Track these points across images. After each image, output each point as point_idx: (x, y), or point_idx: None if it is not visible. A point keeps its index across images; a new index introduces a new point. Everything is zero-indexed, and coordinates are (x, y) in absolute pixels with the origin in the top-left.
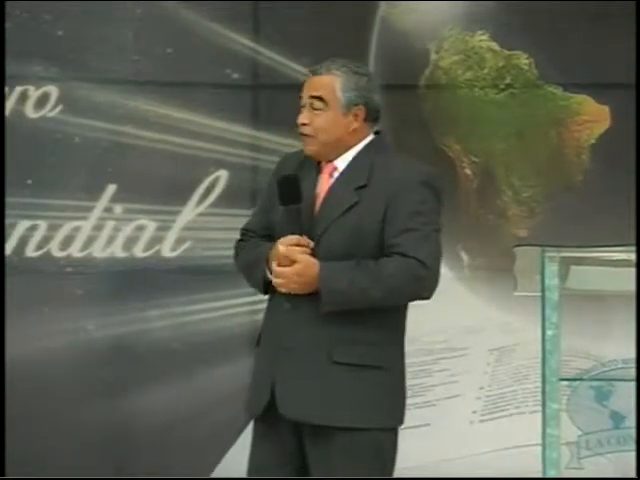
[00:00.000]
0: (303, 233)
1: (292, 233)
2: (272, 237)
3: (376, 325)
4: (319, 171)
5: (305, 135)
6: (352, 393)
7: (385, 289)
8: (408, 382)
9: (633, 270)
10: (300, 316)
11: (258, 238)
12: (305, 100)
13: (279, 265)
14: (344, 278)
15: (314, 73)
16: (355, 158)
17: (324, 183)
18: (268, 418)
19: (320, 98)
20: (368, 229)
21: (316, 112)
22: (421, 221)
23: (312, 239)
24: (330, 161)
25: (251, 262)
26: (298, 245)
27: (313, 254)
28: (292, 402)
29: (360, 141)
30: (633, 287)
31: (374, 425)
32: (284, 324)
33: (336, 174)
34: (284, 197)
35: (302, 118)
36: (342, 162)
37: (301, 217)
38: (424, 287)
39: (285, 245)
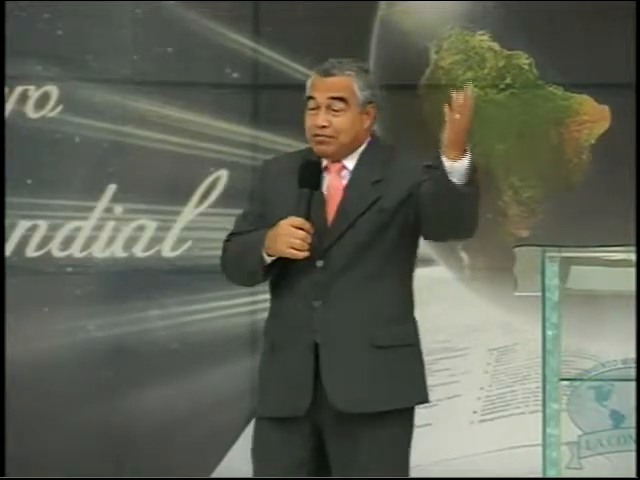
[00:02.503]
0: (310, 220)
1: (298, 216)
2: None
3: (400, 303)
4: (321, 171)
5: (324, 137)
6: (396, 374)
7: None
8: None
9: (633, 270)
10: (332, 311)
11: None
12: (321, 102)
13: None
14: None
15: (326, 74)
16: (364, 156)
17: (334, 182)
18: (290, 420)
19: (341, 99)
20: (392, 221)
21: (336, 113)
22: None
23: (333, 233)
24: (337, 161)
25: (248, 245)
26: (301, 228)
27: (310, 248)
28: (342, 393)
29: (367, 139)
30: (633, 287)
31: (417, 401)
32: (315, 321)
33: (345, 172)
34: (304, 180)
35: (321, 120)
36: (350, 161)
37: (312, 204)
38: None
39: (288, 225)
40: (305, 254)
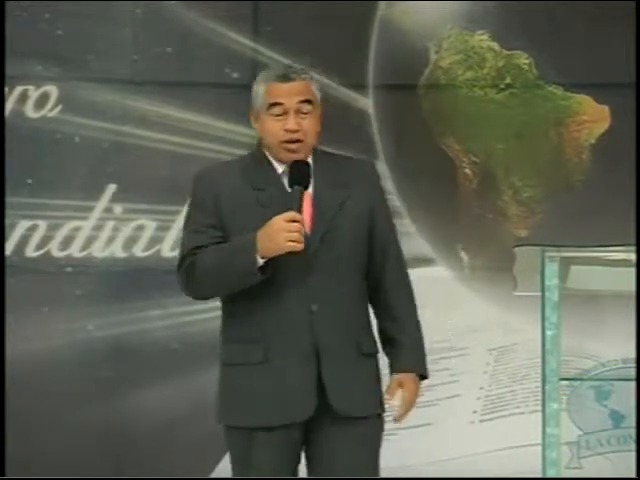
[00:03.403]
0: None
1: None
2: None
3: (368, 314)
4: (275, 173)
5: (295, 142)
6: (375, 381)
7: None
8: None
9: (633, 270)
10: (327, 315)
11: None
12: (290, 106)
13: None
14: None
15: (287, 79)
16: (319, 159)
17: None
18: (284, 427)
19: (309, 101)
20: (362, 222)
21: (304, 116)
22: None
23: (315, 237)
24: None
25: (233, 251)
26: (294, 221)
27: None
28: (344, 398)
29: None
30: (633, 287)
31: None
32: (312, 326)
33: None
34: (295, 179)
35: (294, 124)
36: None
37: (302, 200)
38: None
39: (282, 220)
40: (302, 246)
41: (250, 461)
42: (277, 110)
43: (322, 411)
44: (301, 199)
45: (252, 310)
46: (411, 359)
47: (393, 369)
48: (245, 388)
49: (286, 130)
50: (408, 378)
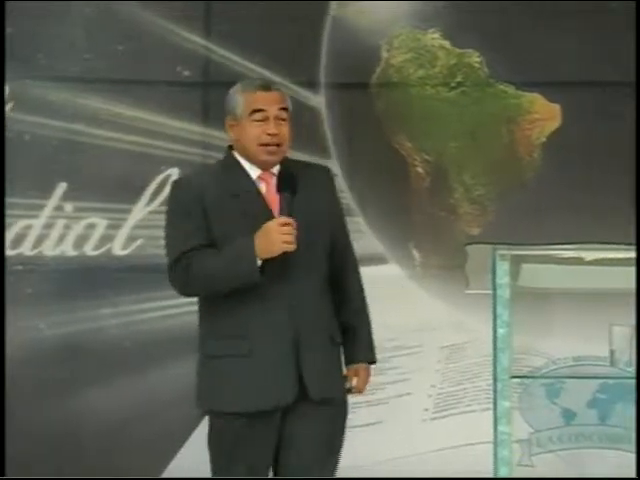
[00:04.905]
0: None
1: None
2: None
3: (333, 307)
4: (249, 179)
5: (274, 145)
6: (340, 366)
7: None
8: None
9: (584, 268)
10: (305, 309)
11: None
12: (271, 113)
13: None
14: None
15: (269, 89)
16: (282, 166)
17: (272, 190)
18: (267, 412)
19: (286, 109)
20: (326, 224)
21: (282, 122)
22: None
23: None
24: (268, 170)
25: (234, 253)
26: (286, 225)
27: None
28: (320, 384)
29: None
30: (583, 285)
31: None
32: (293, 320)
33: (272, 180)
34: (286, 186)
35: (274, 129)
36: (275, 170)
37: (293, 205)
38: None
39: (277, 224)
40: (295, 246)
41: (230, 448)
42: (259, 116)
43: (299, 396)
44: (290, 204)
45: (236, 307)
46: (365, 351)
47: (350, 360)
48: (231, 377)
49: (268, 134)
50: (362, 368)
